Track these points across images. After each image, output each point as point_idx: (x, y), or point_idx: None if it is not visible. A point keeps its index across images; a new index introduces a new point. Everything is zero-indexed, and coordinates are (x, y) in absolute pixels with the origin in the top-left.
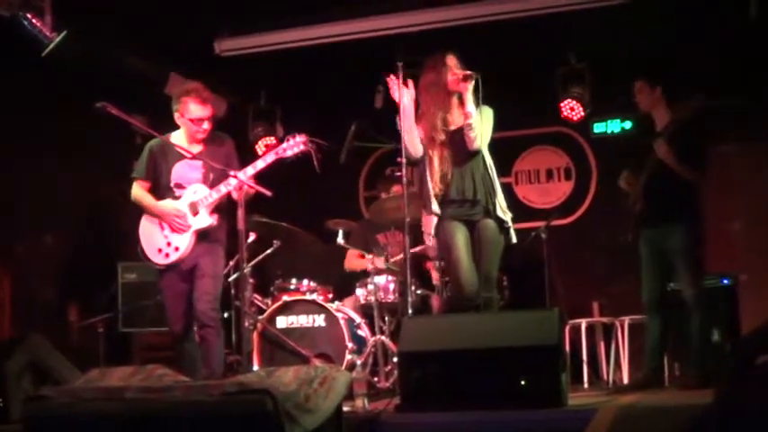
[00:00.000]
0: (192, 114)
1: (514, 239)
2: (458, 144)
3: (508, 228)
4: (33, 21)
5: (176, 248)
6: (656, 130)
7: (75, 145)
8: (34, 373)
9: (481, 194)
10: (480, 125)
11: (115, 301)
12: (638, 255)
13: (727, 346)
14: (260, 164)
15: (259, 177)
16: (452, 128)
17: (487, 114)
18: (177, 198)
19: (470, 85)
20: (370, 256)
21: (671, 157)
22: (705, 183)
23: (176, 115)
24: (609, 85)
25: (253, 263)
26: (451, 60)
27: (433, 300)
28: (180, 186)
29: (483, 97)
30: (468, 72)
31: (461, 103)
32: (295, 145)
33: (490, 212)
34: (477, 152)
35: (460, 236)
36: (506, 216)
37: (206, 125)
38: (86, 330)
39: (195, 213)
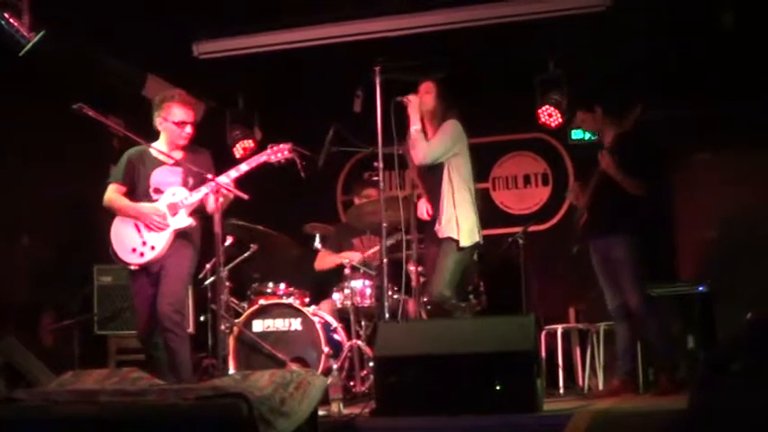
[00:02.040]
0: (177, 117)
1: (462, 243)
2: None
3: (460, 246)
4: (11, 21)
5: (152, 247)
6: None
7: (51, 147)
8: (7, 376)
9: (440, 211)
10: (421, 143)
11: (90, 303)
12: (574, 262)
13: (702, 353)
14: (243, 167)
15: (237, 181)
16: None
17: (445, 130)
18: (154, 201)
19: (411, 109)
20: (344, 256)
21: (613, 169)
22: (647, 194)
23: (158, 120)
24: (587, 91)
25: (230, 266)
26: (424, 86)
27: (410, 304)
28: (158, 191)
29: (459, 103)
30: (403, 98)
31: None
32: (279, 152)
33: (442, 229)
34: (435, 169)
35: (433, 250)
36: (451, 232)
37: (189, 129)
38: (61, 333)
39: (174, 213)
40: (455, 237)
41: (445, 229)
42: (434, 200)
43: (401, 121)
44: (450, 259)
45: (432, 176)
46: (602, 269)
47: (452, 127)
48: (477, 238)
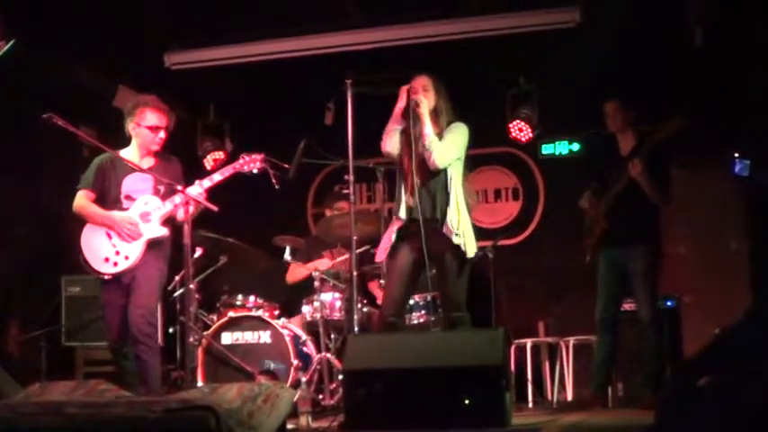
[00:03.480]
0: (150, 122)
1: (470, 254)
2: (423, 163)
3: (461, 249)
4: None
5: (126, 257)
6: (620, 152)
7: (19, 157)
8: None
9: (439, 216)
10: (437, 145)
11: (58, 314)
12: (582, 275)
13: (669, 368)
14: (216, 177)
15: (208, 191)
16: (420, 149)
17: (455, 132)
18: (125, 210)
19: (422, 107)
20: (314, 265)
21: (645, 178)
22: (669, 205)
23: (131, 126)
24: (557, 107)
25: (199, 278)
26: (418, 81)
27: (377, 317)
28: (129, 198)
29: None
30: (417, 94)
31: (433, 122)
32: (252, 162)
33: (442, 232)
34: (440, 172)
35: (404, 255)
36: (459, 239)
37: (162, 134)
38: (28, 344)
39: (147, 223)
40: (463, 248)
41: (453, 235)
42: (435, 204)
43: (374, 129)
44: (465, 275)
45: (434, 180)
46: (612, 279)
47: (463, 131)
48: (473, 251)
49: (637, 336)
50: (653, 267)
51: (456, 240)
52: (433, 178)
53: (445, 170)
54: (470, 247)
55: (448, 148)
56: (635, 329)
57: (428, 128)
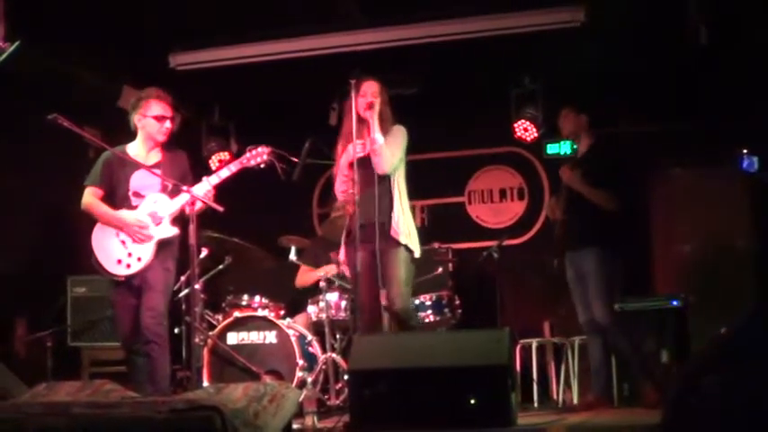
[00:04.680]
0: (155, 112)
1: (416, 254)
2: (365, 169)
3: (410, 249)
4: None
5: (138, 258)
6: (578, 157)
7: (25, 157)
8: None
9: (385, 219)
10: (385, 150)
11: (64, 314)
12: (555, 276)
13: (676, 368)
14: (224, 173)
15: (216, 188)
16: (360, 153)
17: (397, 136)
18: (134, 208)
19: (373, 112)
20: (321, 272)
21: (576, 183)
22: (618, 207)
23: (136, 118)
24: (562, 106)
25: (204, 278)
26: (369, 86)
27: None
28: (138, 195)
29: (433, 114)
30: (370, 100)
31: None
32: (258, 155)
33: (390, 237)
34: (385, 176)
35: (362, 257)
36: (406, 239)
37: (168, 124)
38: (34, 344)
39: (158, 223)
40: (411, 247)
41: (401, 236)
42: (380, 207)
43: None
44: (406, 269)
45: (379, 184)
46: (575, 283)
47: (404, 133)
48: (419, 251)
49: (639, 335)
50: (606, 270)
51: (403, 240)
52: (378, 183)
53: (389, 176)
54: (416, 247)
55: (393, 152)
56: (637, 328)
57: (378, 134)
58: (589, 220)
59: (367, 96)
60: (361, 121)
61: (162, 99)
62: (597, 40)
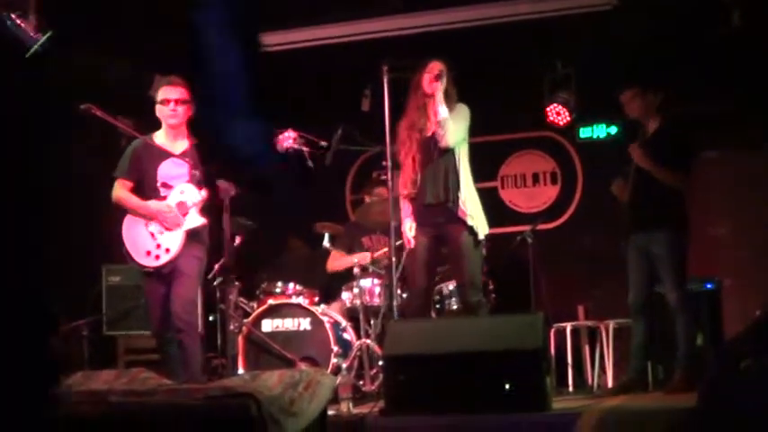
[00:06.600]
0: (162, 96)
1: (481, 236)
2: (430, 147)
3: (475, 231)
4: (17, 21)
5: (167, 250)
6: (645, 138)
7: (59, 147)
8: None
9: (451, 198)
10: (450, 123)
11: (99, 303)
12: (621, 259)
13: (711, 351)
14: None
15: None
16: (427, 132)
17: (461, 113)
18: (162, 199)
19: (440, 85)
20: (355, 258)
21: (647, 162)
22: (689, 187)
23: (157, 108)
24: (594, 90)
25: (238, 266)
26: (434, 66)
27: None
28: (166, 186)
29: (466, 99)
30: (437, 72)
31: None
32: (284, 140)
33: (456, 216)
34: (449, 153)
35: (422, 241)
36: (472, 221)
37: (172, 106)
38: (70, 334)
39: (185, 213)
40: (476, 229)
41: (468, 217)
42: (449, 185)
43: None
44: (474, 255)
45: (444, 162)
46: (640, 264)
47: (467, 112)
48: (484, 231)
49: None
50: (678, 251)
51: (470, 222)
52: (442, 162)
53: (453, 152)
54: (482, 229)
55: (458, 127)
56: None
57: (443, 107)
58: (660, 202)
59: (434, 71)
60: (426, 99)
61: (169, 83)
62: (629, 22)
